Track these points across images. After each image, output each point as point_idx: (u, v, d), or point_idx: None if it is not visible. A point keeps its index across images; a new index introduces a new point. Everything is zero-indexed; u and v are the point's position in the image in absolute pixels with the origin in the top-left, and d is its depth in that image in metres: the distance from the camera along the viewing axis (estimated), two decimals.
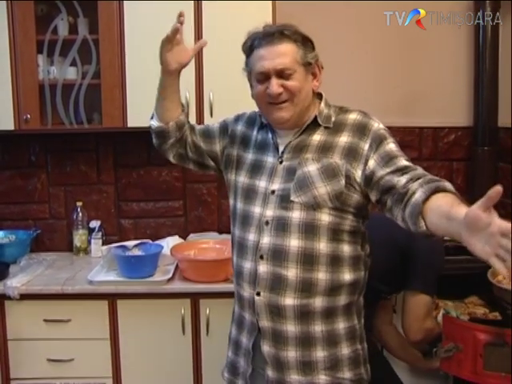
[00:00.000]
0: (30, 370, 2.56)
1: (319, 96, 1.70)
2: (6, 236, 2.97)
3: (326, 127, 1.63)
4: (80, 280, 2.56)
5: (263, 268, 1.59)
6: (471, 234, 1.14)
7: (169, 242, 2.80)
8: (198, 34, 2.63)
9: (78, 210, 2.97)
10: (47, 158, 3.05)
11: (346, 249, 1.61)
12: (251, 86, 1.69)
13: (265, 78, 1.59)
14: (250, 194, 1.66)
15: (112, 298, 2.50)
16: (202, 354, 2.54)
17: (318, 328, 1.61)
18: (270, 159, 1.66)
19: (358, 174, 1.56)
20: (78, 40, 2.67)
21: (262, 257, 1.60)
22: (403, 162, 1.53)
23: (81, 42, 2.67)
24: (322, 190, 1.55)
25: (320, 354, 1.61)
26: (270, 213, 1.60)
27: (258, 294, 1.61)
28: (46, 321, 2.50)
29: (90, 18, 2.67)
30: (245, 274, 1.64)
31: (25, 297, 2.48)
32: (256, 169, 1.68)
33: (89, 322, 2.51)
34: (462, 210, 1.19)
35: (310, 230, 1.56)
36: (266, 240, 1.60)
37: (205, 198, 3.10)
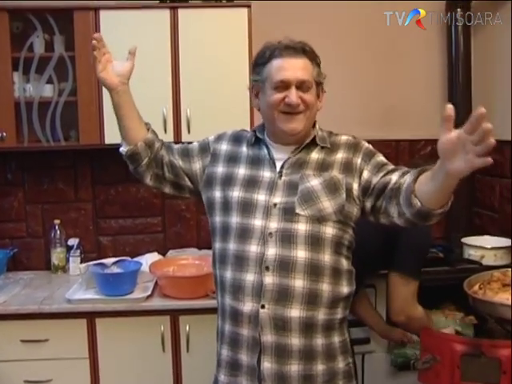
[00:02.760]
0: None
1: None
2: None
3: (322, 147, 1.68)
4: (58, 299, 2.53)
5: (269, 279, 1.58)
6: (451, 161, 1.26)
7: (148, 259, 2.78)
8: (175, 44, 2.65)
9: (56, 227, 2.94)
10: (24, 175, 3.03)
11: (344, 262, 1.66)
12: (256, 95, 1.72)
13: (284, 87, 1.61)
14: (247, 207, 1.65)
15: (90, 317, 2.47)
16: (182, 371, 2.52)
17: (319, 341, 1.63)
18: (266, 174, 1.67)
19: (354, 187, 1.63)
20: (54, 57, 2.67)
21: (267, 268, 1.58)
22: (393, 166, 1.65)
23: (57, 60, 2.67)
24: (327, 203, 1.60)
25: (320, 367, 1.63)
26: (273, 225, 1.61)
27: (263, 306, 1.59)
28: (23, 341, 2.46)
29: (66, 35, 2.67)
30: (247, 287, 1.61)
31: (1, 317, 2.44)
32: (252, 183, 1.67)
33: (67, 341, 2.48)
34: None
35: (315, 241, 1.60)
36: (272, 251, 1.59)
37: (183, 214, 3.09)
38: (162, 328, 2.47)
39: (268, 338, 1.59)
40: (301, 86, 1.61)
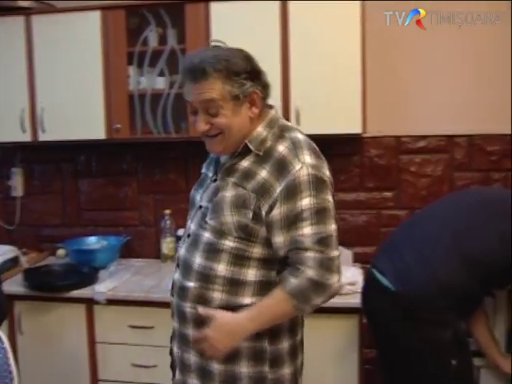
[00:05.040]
0: (116, 372, 2.64)
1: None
2: (99, 241, 3.08)
3: (256, 154, 1.60)
4: (164, 288, 2.54)
5: (177, 276, 1.72)
6: None
7: None
8: (285, 37, 2.58)
9: (166, 217, 3.01)
10: (138, 166, 3.13)
11: (251, 274, 1.61)
12: None
13: (195, 110, 1.60)
14: (190, 206, 1.78)
15: None
16: None
17: None
18: (210, 174, 1.75)
19: (262, 213, 1.55)
20: (166, 50, 2.72)
21: (178, 265, 1.73)
22: (303, 231, 1.52)
23: (169, 52, 2.72)
24: (229, 218, 1.58)
25: (216, 366, 1.63)
26: (193, 227, 1.69)
27: (172, 295, 1.74)
28: (130, 327, 2.55)
29: (178, 28, 2.71)
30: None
31: (111, 302, 2.55)
32: (200, 182, 1.79)
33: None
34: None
35: (212, 250, 1.61)
36: (182, 252, 1.71)
37: None
38: None
39: (175, 324, 1.73)
40: (208, 110, 1.56)
